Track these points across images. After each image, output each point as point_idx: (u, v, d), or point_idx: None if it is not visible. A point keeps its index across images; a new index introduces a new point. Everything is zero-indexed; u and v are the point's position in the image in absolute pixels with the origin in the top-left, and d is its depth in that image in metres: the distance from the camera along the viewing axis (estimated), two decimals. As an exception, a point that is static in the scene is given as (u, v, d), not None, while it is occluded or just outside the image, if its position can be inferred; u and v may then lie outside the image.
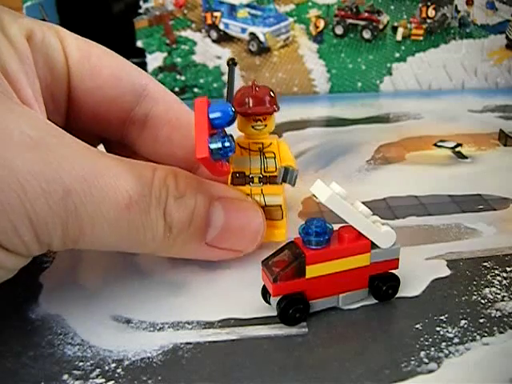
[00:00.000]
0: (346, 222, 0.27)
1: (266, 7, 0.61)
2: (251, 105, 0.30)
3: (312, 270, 0.26)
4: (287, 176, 0.30)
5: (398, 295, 0.28)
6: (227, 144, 0.28)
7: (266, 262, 0.27)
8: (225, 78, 0.62)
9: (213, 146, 0.28)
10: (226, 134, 0.29)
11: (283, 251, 0.27)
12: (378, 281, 0.28)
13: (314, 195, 0.27)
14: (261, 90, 0.31)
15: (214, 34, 0.61)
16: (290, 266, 0.26)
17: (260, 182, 0.32)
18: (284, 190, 0.32)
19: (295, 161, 0.32)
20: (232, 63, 0.30)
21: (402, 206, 0.37)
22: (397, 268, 0.28)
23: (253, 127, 0.31)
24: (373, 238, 0.27)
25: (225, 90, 0.62)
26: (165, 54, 0.62)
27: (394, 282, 0.28)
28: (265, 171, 0.32)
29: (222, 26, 0.61)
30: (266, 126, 0.31)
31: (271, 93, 0.31)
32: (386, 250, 0.27)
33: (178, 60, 0.62)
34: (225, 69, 0.62)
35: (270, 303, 0.27)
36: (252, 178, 0.32)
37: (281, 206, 0.32)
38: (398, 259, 0.28)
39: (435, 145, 0.48)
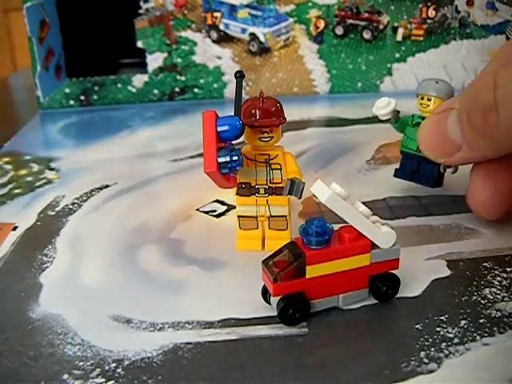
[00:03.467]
0: (346, 222, 0.27)
1: (266, 7, 0.61)
2: (258, 117, 0.30)
3: (312, 270, 0.26)
4: (293, 189, 0.30)
5: (398, 295, 0.28)
6: (235, 158, 0.28)
7: (266, 262, 0.27)
8: (225, 78, 0.62)
9: (221, 159, 0.28)
10: (234, 147, 0.29)
11: (283, 251, 0.27)
12: (378, 281, 0.28)
13: (314, 195, 0.27)
14: (268, 102, 0.31)
15: (214, 35, 0.61)
16: (290, 266, 0.26)
17: (266, 193, 0.32)
18: (289, 201, 0.32)
19: (301, 172, 0.32)
20: (239, 76, 0.30)
21: (402, 206, 0.37)
22: (397, 268, 0.28)
23: (259, 139, 0.31)
24: (373, 238, 0.27)
25: (225, 90, 0.62)
26: (165, 55, 0.62)
27: (394, 282, 0.28)
28: (271, 182, 0.32)
29: (222, 27, 0.61)
30: (272, 137, 0.31)
31: (278, 104, 0.31)
32: (386, 250, 0.27)
33: (178, 60, 0.62)
34: (225, 69, 0.62)
35: (270, 303, 0.27)
36: (258, 188, 0.32)
37: (286, 216, 0.32)
38: (398, 259, 0.28)
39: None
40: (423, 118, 0.34)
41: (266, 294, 0.28)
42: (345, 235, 0.27)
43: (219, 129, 0.28)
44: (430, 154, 0.31)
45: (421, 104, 0.35)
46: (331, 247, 0.27)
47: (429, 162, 0.34)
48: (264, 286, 0.28)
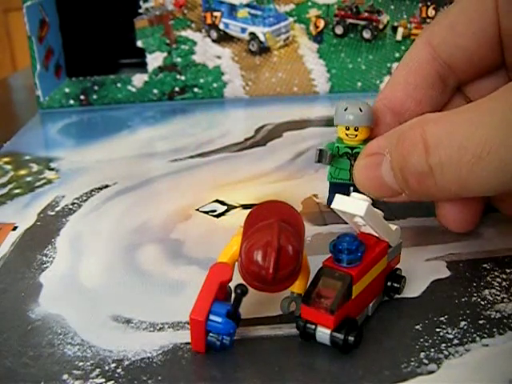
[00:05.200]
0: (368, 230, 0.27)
1: (265, 7, 0.61)
2: (271, 269, 0.23)
3: (356, 289, 0.25)
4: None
5: (397, 296, 0.28)
6: (226, 341, 0.25)
7: (307, 298, 0.25)
8: (224, 77, 0.62)
9: (211, 338, 0.25)
10: (237, 312, 0.25)
11: (320, 280, 0.25)
12: (390, 280, 0.28)
13: (340, 211, 0.26)
14: (285, 255, 0.24)
15: (213, 34, 0.61)
16: (340, 292, 0.24)
17: None
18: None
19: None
20: (241, 292, 0.24)
21: (402, 206, 0.37)
22: (399, 262, 0.29)
23: None
24: (389, 238, 0.27)
25: (225, 90, 0.62)
26: (165, 54, 0.61)
27: (399, 276, 0.28)
28: None
29: (221, 26, 0.61)
30: None
31: (297, 260, 0.24)
32: (393, 247, 0.27)
33: (178, 60, 0.62)
34: (225, 69, 0.62)
35: (315, 339, 0.25)
36: None
37: None
38: (400, 254, 0.28)
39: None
40: (351, 148, 0.33)
41: (305, 331, 0.25)
42: (367, 243, 0.26)
43: (211, 317, 0.24)
44: (373, 196, 0.30)
45: (347, 134, 0.33)
46: (365, 259, 0.25)
47: None
48: (303, 323, 0.25)
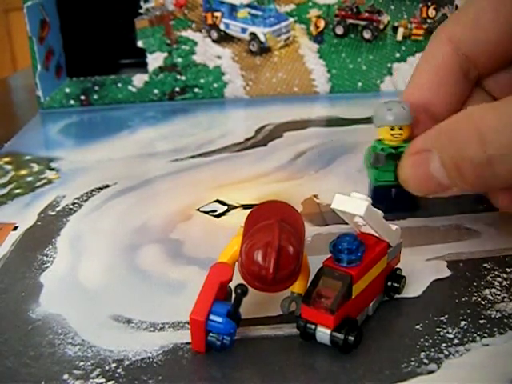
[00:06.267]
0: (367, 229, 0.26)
1: (266, 7, 0.61)
2: (271, 269, 0.23)
3: (356, 288, 0.25)
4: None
5: (398, 296, 0.28)
6: (226, 341, 0.25)
7: (307, 298, 0.25)
8: (225, 77, 0.62)
9: (211, 338, 0.25)
10: (237, 312, 0.25)
11: (320, 279, 0.25)
12: (390, 280, 0.28)
13: (340, 211, 0.26)
14: (285, 256, 0.24)
15: (214, 34, 0.61)
16: (340, 292, 0.24)
17: None
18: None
19: None
20: (241, 292, 0.24)
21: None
22: (399, 262, 0.29)
23: None
24: (389, 238, 0.27)
25: (225, 90, 0.62)
26: (165, 54, 0.61)
27: (400, 276, 0.28)
28: None
29: (222, 26, 0.61)
30: None
31: (296, 261, 0.24)
32: (394, 247, 0.27)
33: (179, 60, 0.62)
34: (225, 69, 0.62)
35: (315, 338, 0.25)
36: None
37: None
38: (400, 254, 0.28)
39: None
40: (395, 148, 0.33)
41: (305, 331, 0.25)
42: (367, 243, 0.26)
43: (212, 317, 0.24)
44: (420, 194, 0.31)
45: (392, 135, 0.33)
46: (365, 259, 0.25)
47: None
48: (303, 322, 0.25)
